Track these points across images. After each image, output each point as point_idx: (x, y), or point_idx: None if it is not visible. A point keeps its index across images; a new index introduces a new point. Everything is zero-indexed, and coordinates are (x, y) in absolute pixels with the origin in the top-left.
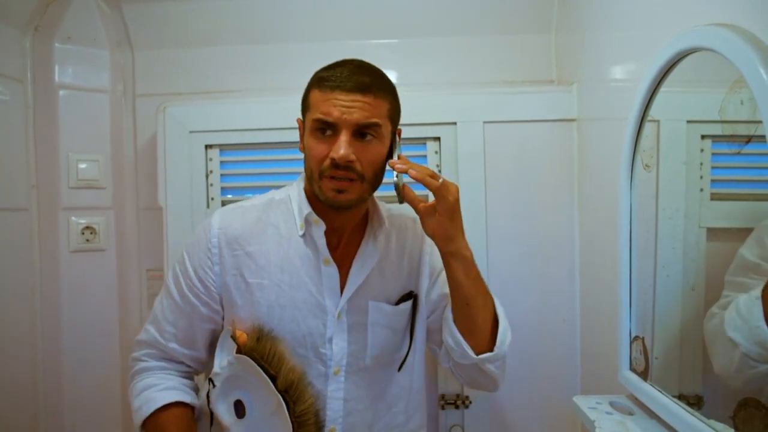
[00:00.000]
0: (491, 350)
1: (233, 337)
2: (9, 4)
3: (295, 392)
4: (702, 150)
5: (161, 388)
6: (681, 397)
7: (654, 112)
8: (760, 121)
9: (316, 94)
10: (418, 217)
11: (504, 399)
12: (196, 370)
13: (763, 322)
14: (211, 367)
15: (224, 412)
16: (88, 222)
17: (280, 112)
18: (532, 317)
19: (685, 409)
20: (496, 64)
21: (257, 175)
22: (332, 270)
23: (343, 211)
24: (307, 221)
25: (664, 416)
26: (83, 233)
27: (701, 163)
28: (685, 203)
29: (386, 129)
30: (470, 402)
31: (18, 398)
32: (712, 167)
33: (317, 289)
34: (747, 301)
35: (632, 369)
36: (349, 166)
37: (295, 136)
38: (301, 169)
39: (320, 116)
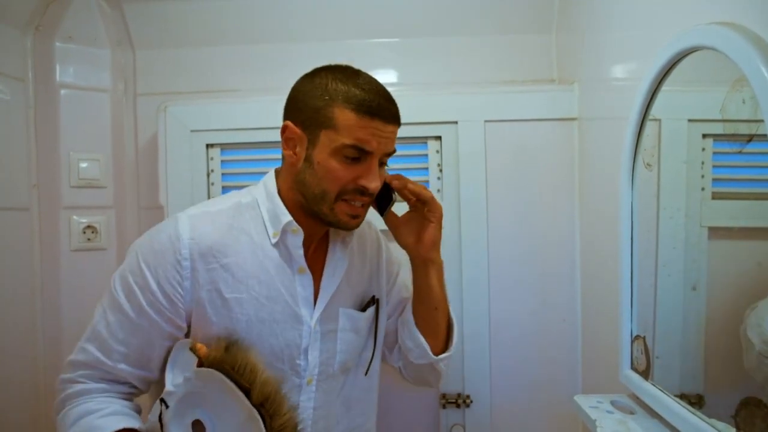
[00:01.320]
0: (446, 350)
1: (192, 350)
2: (9, 3)
3: (272, 405)
4: (703, 149)
5: (104, 414)
6: (682, 397)
7: (655, 111)
8: (762, 120)
9: (348, 116)
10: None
11: (505, 398)
12: (141, 391)
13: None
14: (160, 387)
15: None
16: (89, 221)
17: (280, 112)
18: (533, 317)
19: (686, 408)
20: (496, 64)
21: (258, 174)
22: (306, 278)
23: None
24: (283, 230)
25: (665, 415)
26: (84, 232)
27: (702, 162)
28: (686, 202)
29: None
30: (471, 401)
31: (19, 397)
32: (714, 166)
33: (293, 299)
34: (764, 304)
35: (633, 368)
36: (372, 193)
37: None
38: None
39: (358, 144)
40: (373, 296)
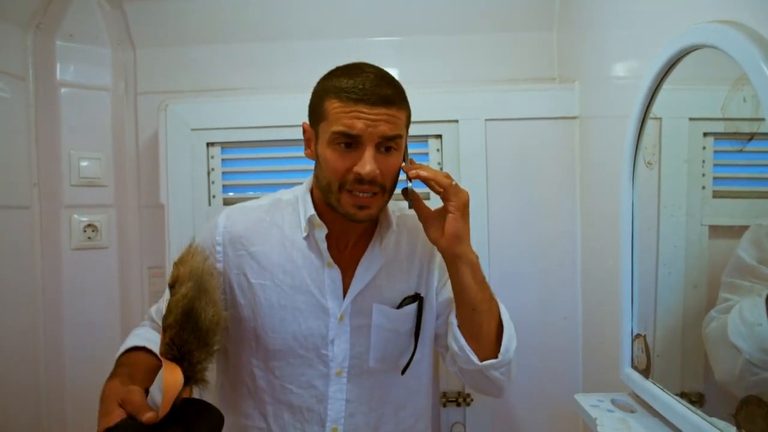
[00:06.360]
0: (496, 356)
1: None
2: (11, 2)
3: (177, 284)
4: (704, 147)
5: (139, 336)
6: (683, 395)
7: (656, 109)
8: (763, 119)
9: (335, 104)
10: None
11: (505, 397)
12: None
13: (765, 320)
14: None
15: None
16: (90, 220)
17: (281, 110)
18: (534, 315)
19: (686, 407)
20: (497, 62)
21: (259, 173)
22: (335, 272)
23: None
24: (310, 223)
25: (665, 414)
26: (85, 231)
27: (703, 161)
28: (687, 201)
29: (404, 138)
30: (472, 400)
31: (20, 395)
32: (714, 165)
33: (319, 291)
34: (750, 305)
35: (634, 367)
36: (373, 181)
37: (296, 133)
38: (303, 167)
39: (343, 129)
40: (416, 294)
